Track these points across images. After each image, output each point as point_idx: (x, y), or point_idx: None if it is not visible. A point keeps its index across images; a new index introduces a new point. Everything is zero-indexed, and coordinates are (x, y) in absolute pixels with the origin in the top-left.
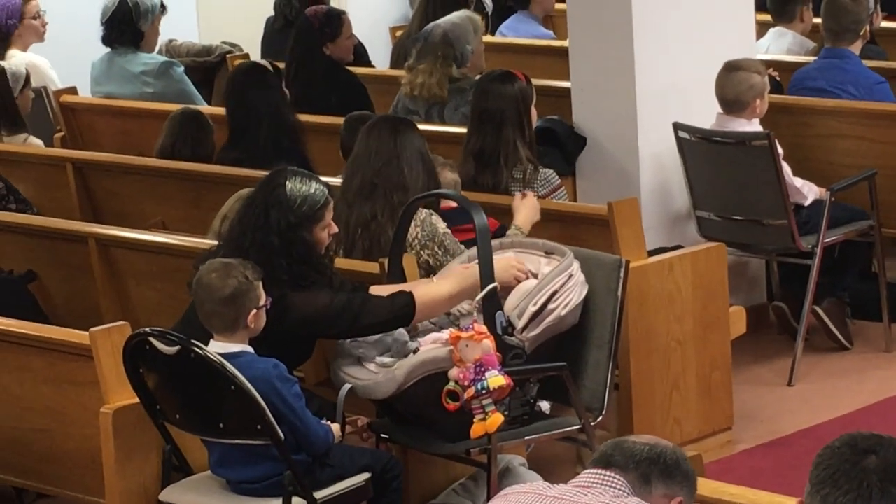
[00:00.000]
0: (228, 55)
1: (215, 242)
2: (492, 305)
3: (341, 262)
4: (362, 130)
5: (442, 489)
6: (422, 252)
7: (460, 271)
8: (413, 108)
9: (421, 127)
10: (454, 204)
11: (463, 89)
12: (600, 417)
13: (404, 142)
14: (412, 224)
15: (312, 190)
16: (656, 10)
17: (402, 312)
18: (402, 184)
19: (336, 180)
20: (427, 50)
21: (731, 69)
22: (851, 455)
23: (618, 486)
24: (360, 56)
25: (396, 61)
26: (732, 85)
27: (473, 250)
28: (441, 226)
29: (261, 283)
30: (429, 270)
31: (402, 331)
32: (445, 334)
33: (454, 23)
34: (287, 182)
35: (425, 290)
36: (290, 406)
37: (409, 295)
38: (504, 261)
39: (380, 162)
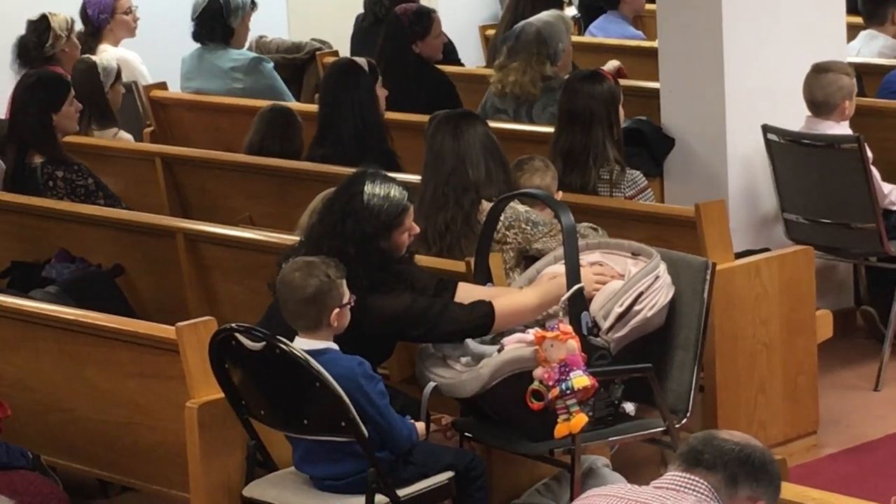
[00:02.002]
0: (318, 52)
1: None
2: (578, 306)
3: (428, 261)
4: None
5: (525, 489)
6: (508, 233)
7: (545, 282)
8: (501, 107)
9: (509, 126)
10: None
11: (553, 88)
12: (685, 419)
13: (467, 141)
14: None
15: (391, 196)
16: (746, 11)
17: (481, 322)
18: (471, 185)
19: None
20: (519, 48)
21: (820, 71)
22: None
23: (701, 491)
24: (450, 54)
25: (492, 60)
26: (821, 86)
27: (560, 250)
28: (521, 207)
29: (344, 282)
30: (519, 250)
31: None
32: (530, 334)
33: (547, 21)
34: (365, 188)
35: (507, 301)
36: (374, 404)
37: (489, 305)
38: (583, 272)
39: (446, 170)
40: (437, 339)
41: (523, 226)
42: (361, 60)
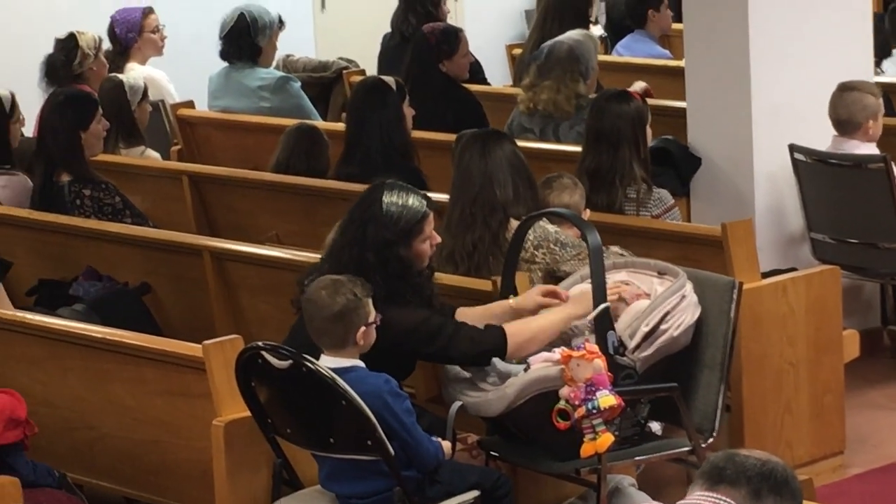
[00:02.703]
0: (345, 71)
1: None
2: (604, 325)
3: (455, 280)
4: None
5: None
6: (536, 253)
7: (557, 307)
8: (528, 126)
9: (536, 145)
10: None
11: (582, 107)
12: (711, 439)
13: (494, 160)
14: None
15: (410, 204)
16: (773, 30)
17: (493, 347)
18: (498, 205)
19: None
20: (551, 66)
21: (845, 89)
22: None
23: None
24: (476, 73)
25: (519, 79)
26: (846, 105)
27: (586, 269)
28: (551, 227)
29: (370, 300)
30: (547, 271)
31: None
32: (557, 353)
33: (577, 39)
34: (384, 197)
35: (518, 327)
36: (400, 421)
37: (501, 330)
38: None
39: (474, 189)
40: (447, 359)
41: (552, 246)
42: (389, 79)
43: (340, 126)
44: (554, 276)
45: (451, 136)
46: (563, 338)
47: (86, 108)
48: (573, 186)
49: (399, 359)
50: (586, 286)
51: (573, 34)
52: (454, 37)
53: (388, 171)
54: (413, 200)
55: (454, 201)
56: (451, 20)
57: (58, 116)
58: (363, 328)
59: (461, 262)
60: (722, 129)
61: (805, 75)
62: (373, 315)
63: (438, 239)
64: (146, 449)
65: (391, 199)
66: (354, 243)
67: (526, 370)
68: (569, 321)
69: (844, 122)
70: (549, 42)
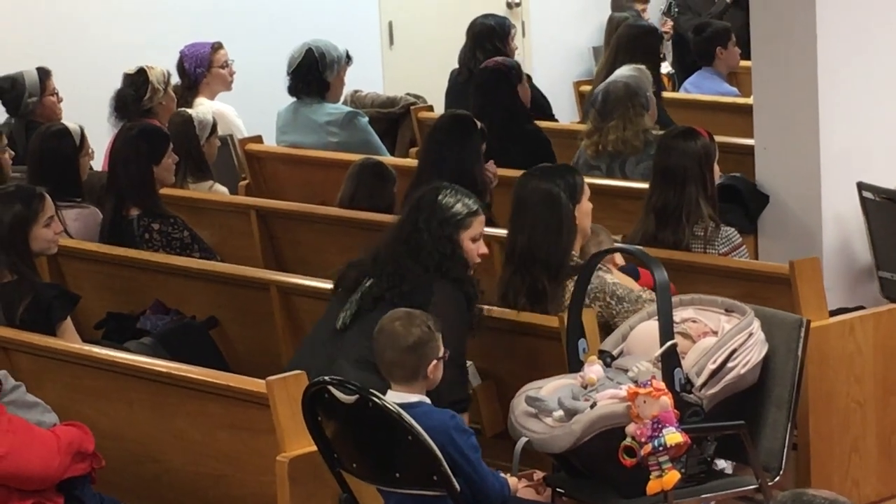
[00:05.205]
0: (412, 107)
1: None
2: (671, 362)
3: (522, 316)
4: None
5: None
6: (592, 305)
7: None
8: (594, 164)
9: (603, 182)
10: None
11: (649, 142)
12: (778, 477)
13: (551, 208)
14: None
15: (463, 199)
16: (842, 68)
17: (459, 400)
18: (554, 254)
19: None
20: (612, 106)
21: None
22: None
23: None
24: (544, 109)
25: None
26: None
27: (653, 307)
28: (609, 277)
29: (441, 335)
30: (602, 322)
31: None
32: (623, 390)
33: (629, 75)
34: (440, 190)
35: None
36: (466, 457)
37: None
38: None
39: (527, 234)
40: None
41: (608, 300)
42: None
43: (408, 161)
44: (608, 328)
45: (517, 173)
46: (630, 376)
47: (158, 143)
48: (606, 233)
49: None
50: (653, 323)
51: (622, 72)
52: (517, 69)
53: None
54: (467, 198)
55: (512, 241)
56: (519, 57)
57: (131, 150)
58: (434, 361)
59: (515, 301)
60: (790, 166)
61: (874, 113)
62: (442, 350)
63: (485, 250)
64: (211, 483)
65: (446, 192)
66: (407, 224)
67: (592, 407)
68: None
69: None
70: (600, 86)
